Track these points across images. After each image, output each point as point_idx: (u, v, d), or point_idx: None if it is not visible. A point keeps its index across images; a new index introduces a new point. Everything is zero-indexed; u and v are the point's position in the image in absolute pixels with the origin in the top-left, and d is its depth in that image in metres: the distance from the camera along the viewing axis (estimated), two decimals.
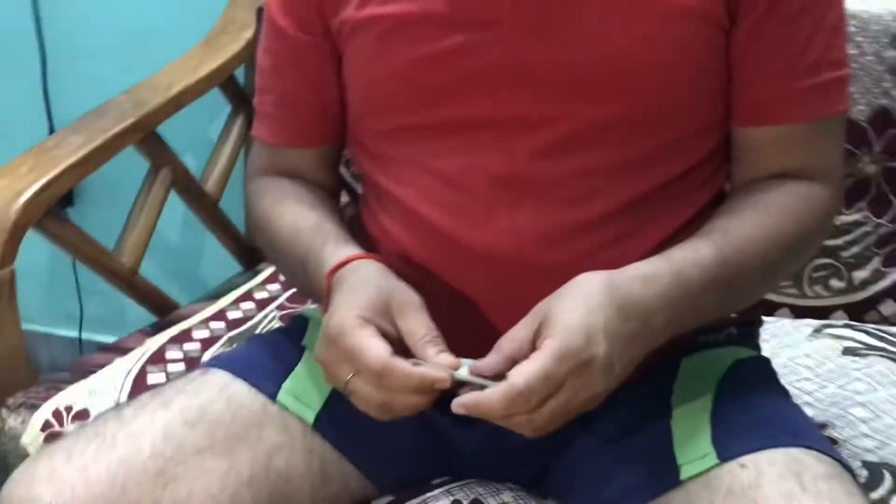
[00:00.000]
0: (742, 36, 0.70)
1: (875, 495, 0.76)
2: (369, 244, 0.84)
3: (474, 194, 0.71)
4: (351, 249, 0.72)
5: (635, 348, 0.62)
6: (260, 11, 1.34)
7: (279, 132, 0.84)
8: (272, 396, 0.74)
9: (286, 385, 0.75)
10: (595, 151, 0.70)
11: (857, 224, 1.14)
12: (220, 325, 1.11)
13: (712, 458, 0.65)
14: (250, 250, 1.40)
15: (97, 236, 1.13)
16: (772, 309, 1.17)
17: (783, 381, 0.78)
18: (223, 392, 0.73)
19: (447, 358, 0.62)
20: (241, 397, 0.73)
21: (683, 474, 0.65)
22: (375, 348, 0.61)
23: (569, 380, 0.59)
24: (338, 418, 0.75)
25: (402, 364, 0.61)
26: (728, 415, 0.69)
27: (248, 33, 1.33)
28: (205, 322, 1.11)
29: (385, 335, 0.64)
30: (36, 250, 1.57)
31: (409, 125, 0.73)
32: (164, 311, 1.19)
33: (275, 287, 1.24)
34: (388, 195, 0.77)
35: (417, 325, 0.64)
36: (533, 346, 0.61)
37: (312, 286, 0.73)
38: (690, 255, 0.66)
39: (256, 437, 0.71)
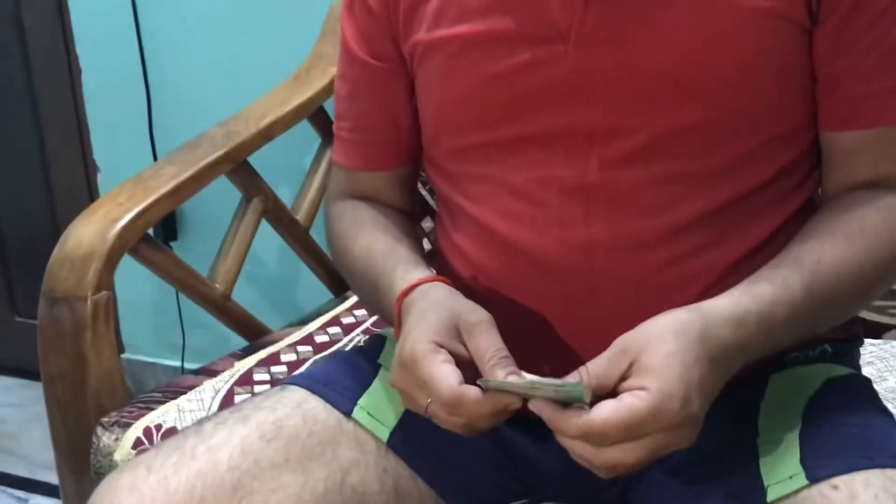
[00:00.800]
0: (828, 36, 0.67)
1: None
2: (445, 263, 0.84)
3: (547, 207, 0.71)
4: (421, 272, 0.73)
5: (716, 390, 0.61)
6: None
7: (355, 157, 0.86)
8: (347, 413, 0.74)
9: (361, 402, 0.75)
10: (671, 160, 0.69)
11: None
12: (307, 348, 1.13)
13: (801, 479, 0.62)
14: (339, 277, 1.42)
15: (200, 269, 1.17)
16: (880, 331, 1.10)
17: (889, 406, 0.74)
18: (299, 408, 0.74)
19: (515, 379, 0.61)
20: (316, 413, 0.74)
21: (770, 496, 0.62)
22: (446, 378, 0.62)
23: (654, 434, 0.58)
24: (412, 436, 0.74)
25: (472, 393, 0.61)
26: (819, 434, 0.66)
27: (335, 68, 1.36)
28: (292, 346, 1.13)
29: (457, 357, 0.64)
30: (142, 283, 1.66)
31: (480, 143, 0.74)
32: (255, 335, 1.22)
33: (361, 312, 1.25)
34: (461, 212, 0.77)
35: (486, 345, 0.64)
36: (617, 383, 0.60)
37: (385, 310, 0.75)
38: (780, 293, 0.64)
39: (332, 454, 0.72)
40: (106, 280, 0.95)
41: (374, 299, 0.78)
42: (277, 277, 1.71)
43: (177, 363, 1.81)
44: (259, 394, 0.78)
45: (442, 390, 0.62)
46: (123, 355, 1.96)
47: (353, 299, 1.31)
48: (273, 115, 1.23)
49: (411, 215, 0.87)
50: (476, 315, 0.66)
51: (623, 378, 0.60)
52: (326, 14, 1.45)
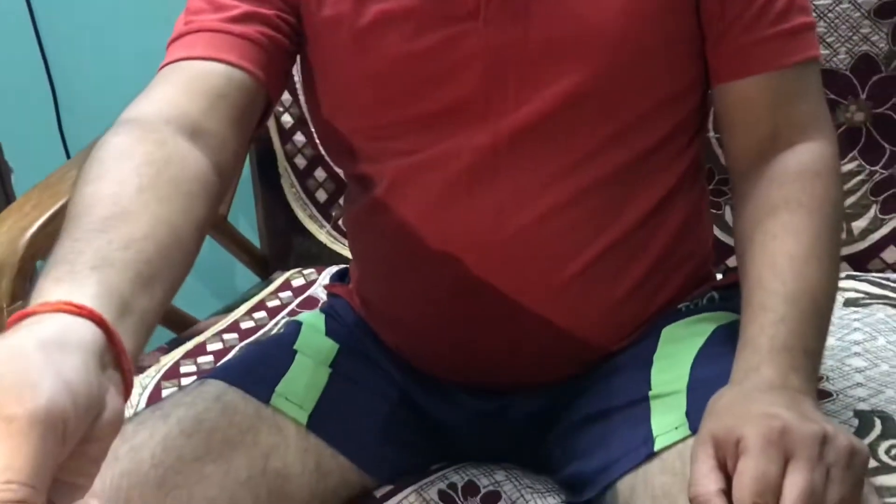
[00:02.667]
0: None
1: (864, 442, 0.76)
2: (357, 240, 0.87)
3: (459, 178, 0.73)
4: (77, 288, 0.49)
5: (803, 403, 0.58)
6: None
7: (225, 46, 0.71)
8: (266, 401, 0.76)
9: (279, 388, 0.77)
10: (575, 125, 0.72)
11: (851, 174, 1.14)
12: (233, 335, 1.15)
13: (685, 430, 0.66)
14: (264, 260, 1.44)
15: None
16: None
17: (883, 365, 0.78)
18: (218, 401, 0.76)
19: None
20: (235, 404, 0.76)
21: (657, 445, 0.66)
22: None
23: (792, 459, 0.53)
24: (331, 416, 0.77)
25: None
26: (703, 386, 0.68)
27: None
28: (218, 334, 1.15)
29: None
30: None
31: (392, 120, 0.75)
32: (182, 327, 1.24)
33: (286, 294, 1.28)
34: (372, 188, 0.79)
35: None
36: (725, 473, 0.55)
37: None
38: (766, 322, 0.63)
39: (252, 441, 0.74)
40: (21, 290, 0.96)
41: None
42: (208, 264, 1.72)
43: None
44: (180, 390, 0.80)
45: None
46: None
47: (278, 282, 1.33)
48: None
49: (221, 175, 0.66)
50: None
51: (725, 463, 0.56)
52: None
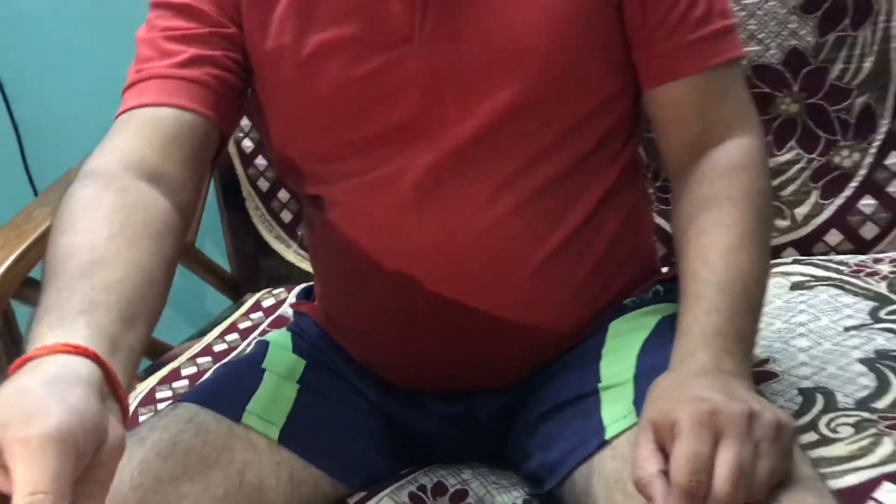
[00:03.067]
0: (633, 4, 0.75)
1: (806, 418, 0.81)
2: (318, 262, 0.90)
3: (404, 196, 0.77)
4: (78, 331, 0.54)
5: (734, 384, 0.61)
6: None
7: (175, 91, 0.74)
8: (237, 419, 0.79)
9: (250, 407, 0.80)
10: (513, 138, 0.75)
11: (790, 163, 1.19)
12: (207, 359, 1.18)
13: (632, 418, 0.69)
14: (234, 283, 1.47)
15: None
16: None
17: (826, 343, 0.82)
18: (191, 423, 0.78)
19: None
20: (208, 425, 0.78)
21: (608, 434, 0.70)
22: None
23: (722, 437, 0.56)
24: (301, 430, 0.80)
25: None
26: (649, 375, 0.70)
27: None
28: (192, 359, 1.18)
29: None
30: None
31: (338, 143, 0.78)
32: (157, 354, 1.26)
33: (257, 315, 1.31)
34: (325, 211, 0.82)
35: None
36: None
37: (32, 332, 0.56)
38: (699, 311, 0.67)
39: (227, 459, 0.77)
40: None
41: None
42: (180, 291, 1.74)
43: None
44: (155, 415, 0.83)
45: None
46: None
47: (249, 303, 1.36)
48: None
49: (183, 213, 0.72)
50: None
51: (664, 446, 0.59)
52: None
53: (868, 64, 1.13)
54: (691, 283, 0.70)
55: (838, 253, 1.19)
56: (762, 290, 0.71)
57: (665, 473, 0.57)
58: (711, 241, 0.71)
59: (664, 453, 0.58)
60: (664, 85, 0.77)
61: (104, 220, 0.64)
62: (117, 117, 0.76)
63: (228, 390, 0.83)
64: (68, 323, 0.54)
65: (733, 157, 0.76)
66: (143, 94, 0.75)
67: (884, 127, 1.15)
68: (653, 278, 0.87)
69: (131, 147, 0.72)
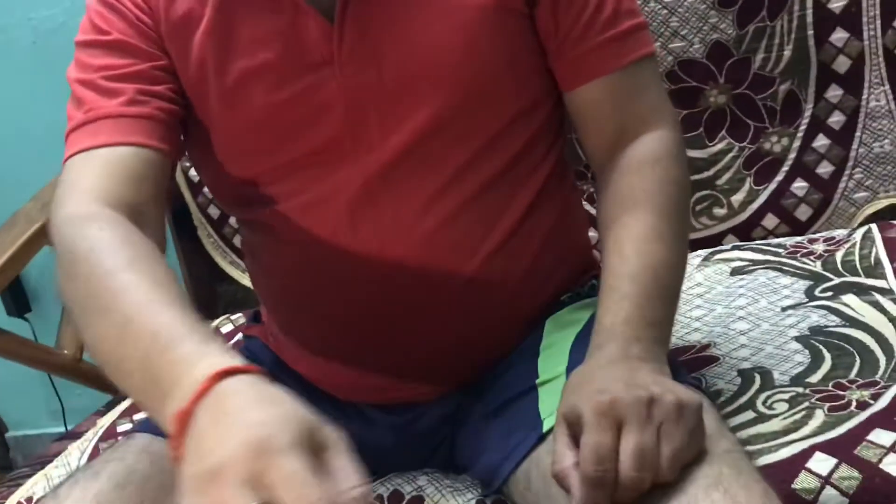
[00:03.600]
0: (544, 12, 0.78)
1: (745, 398, 0.84)
2: (258, 286, 0.92)
3: (338, 212, 0.78)
4: (232, 355, 0.56)
5: (638, 371, 0.64)
6: None
7: (131, 129, 0.75)
8: None
9: None
10: (439, 152, 0.77)
11: (723, 152, 1.22)
12: None
13: None
14: (203, 303, 1.48)
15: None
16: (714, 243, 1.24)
17: (764, 324, 0.84)
18: (146, 452, 0.78)
19: None
20: (163, 452, 0.77)
21: (545, 427, 0.72)
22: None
23: (623, 425, 0.59)
24: None
25: None
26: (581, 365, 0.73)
27: None
28: None
29: None
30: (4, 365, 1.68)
31: (269, 167, 0.80)
32: (117, 388, 1.27)
33: (225, 332, 1.32)
34: (263, 236, 0.84)
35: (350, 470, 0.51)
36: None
37: (154, 378, 0.57)
38: (611, 302, 0.70)
39: None
40: None
41: (133, 358, 0.58)
42: None
43: (61, 429, 1.83)
44: (108, 448, 0.84)
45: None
46: (8, 433, 1.96)
47: (215, 324, 1.36)
48: None
49: (162, 249, 0.73)
50: (334, 431, 0.52)
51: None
52: None
53: (788, 52, 1.17)
54: (607, 277, 0.73)
55: (776, 236, 1.22)
56: (676, 274, 0.74)
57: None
58: (626, 233, 0.74)
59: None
60: (580, 87, 0.80)
61: (132, 259, 0.65)
62: (69, 158, 0.75)
63: None
64: (210, 349, 0.56)
65: (648, 150, 0.78)
66: (98, 135, 0.75)
67: (808, 111, 1.19)
68: (590, 272, 0.89)
69: (104, 187, 0.72)
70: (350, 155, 0.77)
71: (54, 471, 1.01)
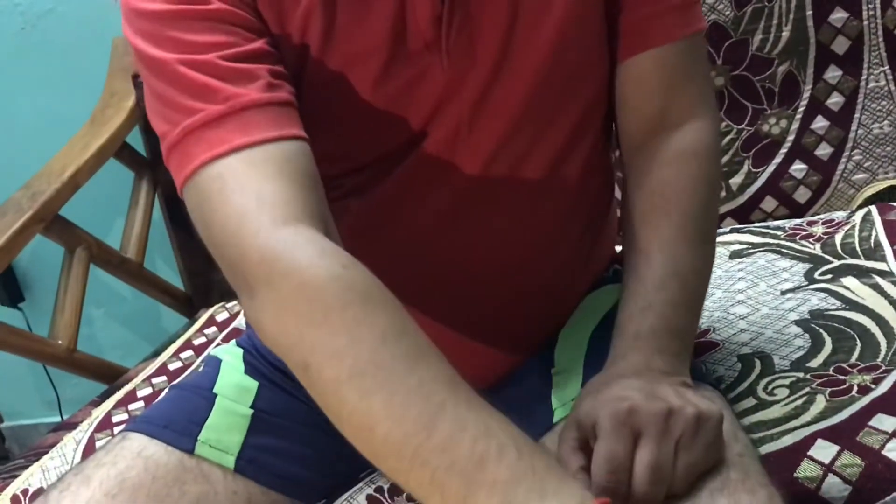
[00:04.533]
0: None
1: (745, 384, 0.83)
2: None
3: (439, 208, 0.73)
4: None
5: (659, 383, 0.62)
6: (136, 77, 1.40)
7: (284, 120, 0.62)
8: (189, 450, 0.76)
9: (202, 436, 0.77)
10: (526, 137, 0.72)
11: (721, 135, 1.21)
12: (162, 378, 1.18)
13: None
14: (188, 300, 1.47)
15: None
16: None
17: (763, 308, 0.83)
18: (140, 457, 0.76)
19: None
20: (157, 458, 0.76)
21: (556, 417, 0.71)
22: None
23: (640, 437, 0.58)
24: (257, 457, 0.78)
25: None
26: (599, 360, 0.71)
27: (130, 101, 1.39)
28: (147, 380, 1.18)
29: None
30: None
31: (363, 159, 0.73)
32: (113, 377, 1.26)
33: (211, 330, 1.31)
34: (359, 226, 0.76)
35: None
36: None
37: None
38: (634, 310, 0.67)
39: (179, 493, 0.74)
40: None
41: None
42: (135, 312, 1.74)
43: (57, 418, 1.82)
44: (101, 448, 0.80)
45: None
46: (4, 424, 1.95)
47: (203, 319, 1.35)
48: (74, 164, 1.26)
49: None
50: None
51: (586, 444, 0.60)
52: (111, 51, 1.47)
53: (786, 33, 1.15)
54: (630, 279, 0.70)
55: (775, 219, 1.21)
56: (703, 279, 0.71)
57: (587, 469, 0.58)
58: (654, 234, 0.70)
59: (588, 450, 0.59)
60: (633, 57, 0.74)
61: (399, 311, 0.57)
62: (216, 160, 0.60)
63: (179, 418, 0.79)
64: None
65: (687, 142, 0.74)
66: (251, 129, 0.60)
67: (807, 92, 1.18)
68: (609, 256, 0.86)
69: (295, 197, 0.59)
70: (444, 151, 0.72)
71: (50, 462, 1.00)
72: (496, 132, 0.72)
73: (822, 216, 1.17)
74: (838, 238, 1.09)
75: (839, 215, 1.16)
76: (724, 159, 1.21)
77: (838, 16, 1.15)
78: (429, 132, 0.71)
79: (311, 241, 0.57)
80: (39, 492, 0.96)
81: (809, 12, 1.15)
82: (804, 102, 1.18)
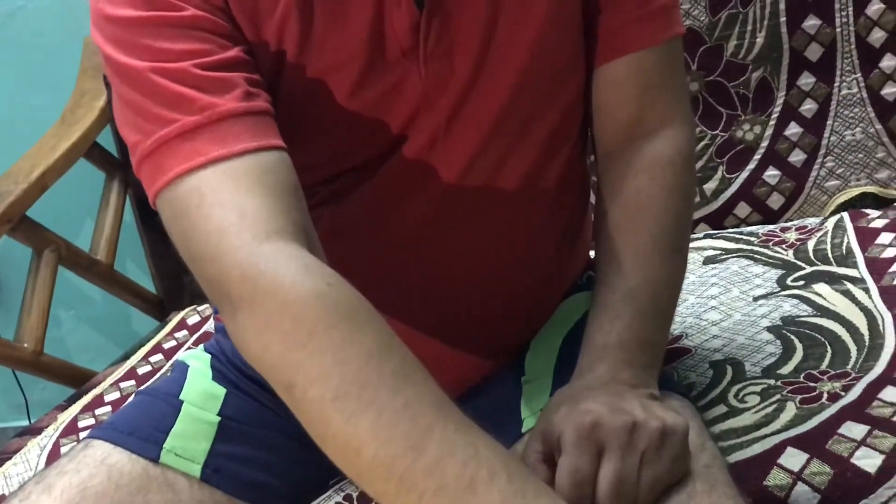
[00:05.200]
0: None
1: (717, 391, 0.83)
2: None
3: (415, 217, 0.72)
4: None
5: (625, 395, 0.62)
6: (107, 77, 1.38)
7: (262, 130, 0.60)
8: (154, 459, 0.75)
9: (167, 444, 0.76)
10: (502, 137, 0.71)
11: (696, 140, 1.21)
12: (130, 383, 1.16)
13: None
14: (159, 303, 1.45)
15: None
16: None
17: (735, 314, 0.83)
18: (103, 465, 0.74)
19: None
20: (121, 466, 0.74)
21: (525, 427, 0.70)
22: None
23: (604, 450, 0.57)
24: (223, 465, 0.77)
25: None
26: (570, 367, 0.70)
27: (101, 101, 1.37)
28: (115, 384, 1.16)
29: None
30: None
31: (338, 168, 0.72)
32: (80, 381, 1.24)
33: (182, 333, 1.29)
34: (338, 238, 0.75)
35: None
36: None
37: None
38: (603, 320, 0.67)
39: (142, 502, 0.72)
40: None
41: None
42: (105, 315, 1.72)
43: (25, 422, 1.79)
44: (64, 454, 0.78)
45: None
46: None
47: (174, 322, 1.34)
48: (43, 164, 1.24)
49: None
50: None
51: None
52: (82, 50, 1.45)
53: (760, 39, 1.16)
54: (600, 288, 0.69)
55: (748, 225, 1.22)
56: (674, 290, 0.71)
57: (552, 483, 0.57)
58: (625, 244, 0.70)
59: (554, 463, 0.59)
60: (611, 62, 0.73)
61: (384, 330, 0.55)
62: (191, 172, 0.58)
63: (144, 426, 0.77)
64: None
65: (661, 150, 0.73)
66: (228, 141, 0.58)
67: (780, 99, 1.18)
68: (582, 263, 0.85)
69: (276, 211, 0.57)
70: (420, 160, 0.71)
71: (13, 468, 0.98)
72: (473, 140, 0.71)
73: (795, 222, 1.18)
74: (811, 244, 1.09)
75: (812, 222, 1.16)
76: (698, 165, 1.21)
77: (812, 23, 1.16)
78: (405, 141, 0.70)
79: (294, 257, 0.56)
80: (1, 499, 0.94)
81: (783, 19, 1.15)
82: (778, 109, 1.18)
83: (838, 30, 1.15)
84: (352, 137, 0.70)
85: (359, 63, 0.66)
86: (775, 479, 0.70)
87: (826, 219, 1.16)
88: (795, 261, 1.06)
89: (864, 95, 1.17)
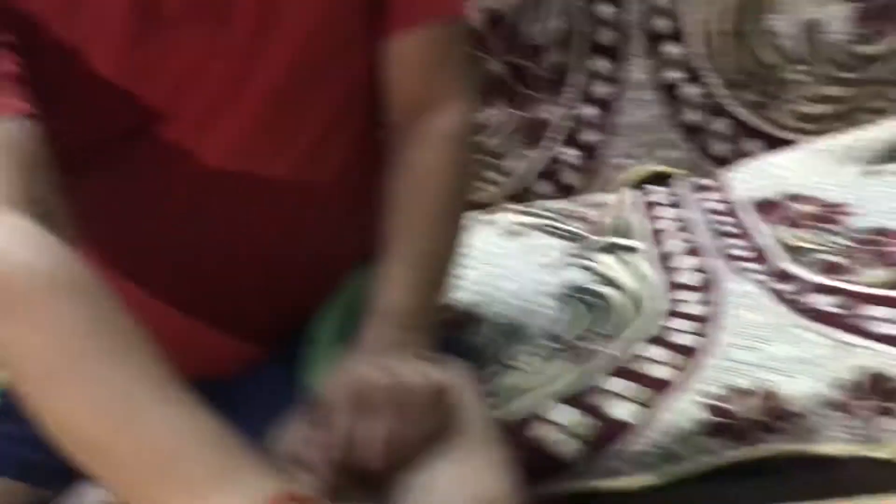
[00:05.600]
0: None
1: (502, 353, 0.86)
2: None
3: (182, 194, 0.71)
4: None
5: (392, 356, 0.63)
6: None
7: (8, 94, 0.59)
8: None
9: None
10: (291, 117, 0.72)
11: (495, 118, 1.25)
12: None
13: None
14: None
15: None
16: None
17: None
18: None
19: None
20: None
21: (303, 401, 0.69)
22: None
23: (372, 412, 0.57)
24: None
25: None
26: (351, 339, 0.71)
27: None
28: None
29: None
30: None
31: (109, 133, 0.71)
32: None
33: None
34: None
35: None
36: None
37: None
38: (379, 287, 0.68)
39: None
40: None
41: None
42: None
43: None
44: None
45: None
46: None
47: None
48: None
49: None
50: None
51: None
52: None
53: (558, 23, 1.21)
54: (383, 259, 0.71)
55: (547, 200, 1.27)
56: (451, 258, 0.73)
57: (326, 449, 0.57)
58: (404, 211, 0.72)
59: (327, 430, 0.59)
60: (397, 35, 0.74)
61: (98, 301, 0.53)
62: None
63: None
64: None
65: (444, 124, 0.75)
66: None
67: (576, 81, 1.24)
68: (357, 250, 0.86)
69: (4, 181, 0.55)
70: (189, 137, 0.70)
71: None
72: (247, 119, 0.71)
73: (588, 198, 1.24)
74: (601, 218, 1.15)
75: (605, 198, 1.23)
76: (498, 143, 1.25)
77: (606, 8, 1.22)
78: (175, 112, 0.69)
79: (16, 229, 0.54)
80: None
81: (579, 3, 1.21)
82: (574, 90, 1.24)
83: (631, 16, 1.22)
84: (117, 103, 0.68)
85: (127, 23, 0.65)
86: (545, 431, 0.73)
87: (618, 195, 1.23)
88: (587, 234, 1.11)
89: (654, 78, 1.24)
